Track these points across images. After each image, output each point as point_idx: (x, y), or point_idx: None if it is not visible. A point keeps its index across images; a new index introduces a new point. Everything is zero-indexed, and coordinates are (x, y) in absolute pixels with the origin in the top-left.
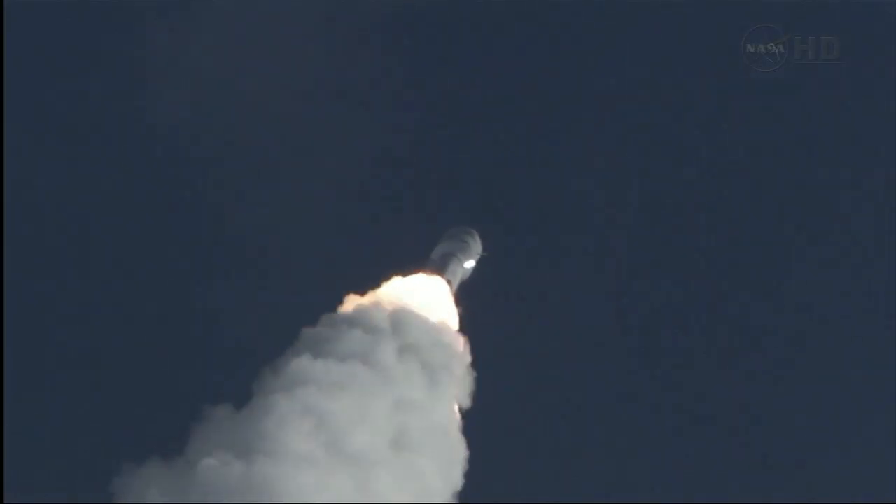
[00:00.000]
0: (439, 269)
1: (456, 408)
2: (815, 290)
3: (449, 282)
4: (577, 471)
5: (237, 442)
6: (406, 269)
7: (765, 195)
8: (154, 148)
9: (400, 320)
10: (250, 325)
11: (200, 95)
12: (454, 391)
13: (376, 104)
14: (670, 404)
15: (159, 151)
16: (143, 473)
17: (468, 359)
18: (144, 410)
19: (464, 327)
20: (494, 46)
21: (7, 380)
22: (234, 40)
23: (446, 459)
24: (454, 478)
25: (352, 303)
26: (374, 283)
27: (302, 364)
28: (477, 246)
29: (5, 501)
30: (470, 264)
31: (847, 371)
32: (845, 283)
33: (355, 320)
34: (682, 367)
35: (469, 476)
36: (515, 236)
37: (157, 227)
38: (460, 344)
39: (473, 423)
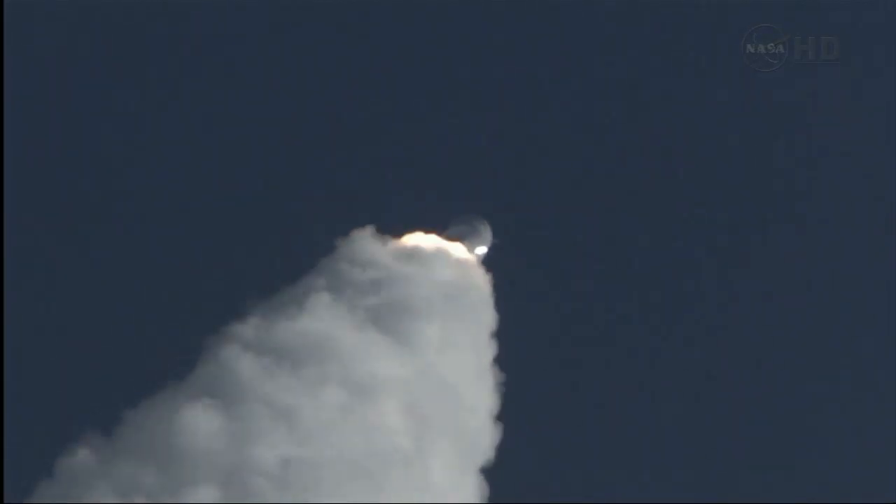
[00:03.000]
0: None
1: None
2: (816, 289)
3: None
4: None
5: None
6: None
7: (764, 195)
8: None
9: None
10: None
11: None
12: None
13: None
14: (671, 401)
15: None
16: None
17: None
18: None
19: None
20: (493, 46)
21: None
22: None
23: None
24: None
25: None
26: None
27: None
28: (487, 234)
29: (5, 501)
30: (481, 251)
31: (847, 370)
32: (845, 283)
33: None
34: (688, 362)
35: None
36: (521, 227)
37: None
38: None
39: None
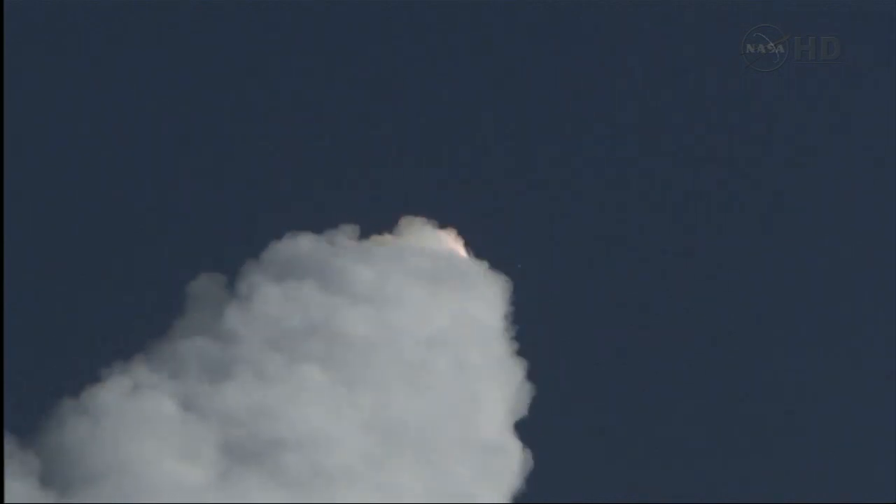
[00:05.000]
0: None
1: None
2: (815, 289)
3: None
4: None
5: None
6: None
7: (764, 195)
8: None
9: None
10: None
11: None
12: None
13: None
14: (663, 410)
15: None
16: None
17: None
18: None
19: None
20: (490, 43)
21: None
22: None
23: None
24: None
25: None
26: None
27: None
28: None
29: (5, 501)
30: None
31: (847, 370)
32: (845, 284)
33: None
34: (679, 372)
35: None
36: (510, 238)
37: None
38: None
39: None
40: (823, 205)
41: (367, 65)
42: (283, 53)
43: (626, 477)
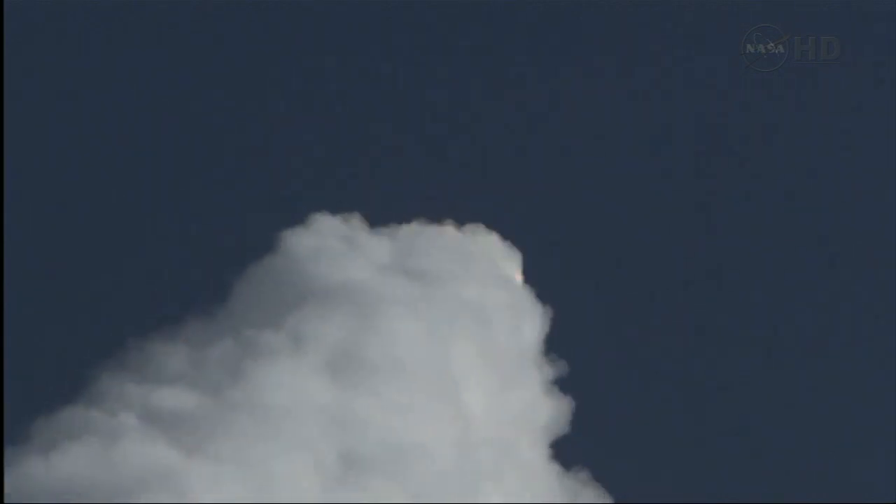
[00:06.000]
0: None
1: None
2: (815, 290)
3: None
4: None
5: None
6: None
7: (764, 195)
8: None
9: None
10: None
11: None
12: None
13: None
14: (661, 409)
15: None
16: None
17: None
18: None
19: None
20: (489, 43)
21: None
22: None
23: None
24: None
25: None
26: None
27: None
28: None
29: (5, 502)
30: None
31: (847, 370)
32: (845, 284)
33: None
34: (677, 371)
35: None
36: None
37: None
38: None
39: None
40: (823, 205)
41: (370, 61)
42: (283, 53)
43: (626, 477)
